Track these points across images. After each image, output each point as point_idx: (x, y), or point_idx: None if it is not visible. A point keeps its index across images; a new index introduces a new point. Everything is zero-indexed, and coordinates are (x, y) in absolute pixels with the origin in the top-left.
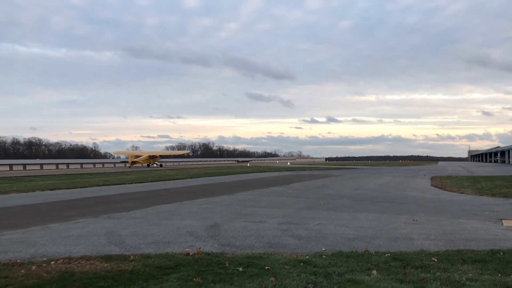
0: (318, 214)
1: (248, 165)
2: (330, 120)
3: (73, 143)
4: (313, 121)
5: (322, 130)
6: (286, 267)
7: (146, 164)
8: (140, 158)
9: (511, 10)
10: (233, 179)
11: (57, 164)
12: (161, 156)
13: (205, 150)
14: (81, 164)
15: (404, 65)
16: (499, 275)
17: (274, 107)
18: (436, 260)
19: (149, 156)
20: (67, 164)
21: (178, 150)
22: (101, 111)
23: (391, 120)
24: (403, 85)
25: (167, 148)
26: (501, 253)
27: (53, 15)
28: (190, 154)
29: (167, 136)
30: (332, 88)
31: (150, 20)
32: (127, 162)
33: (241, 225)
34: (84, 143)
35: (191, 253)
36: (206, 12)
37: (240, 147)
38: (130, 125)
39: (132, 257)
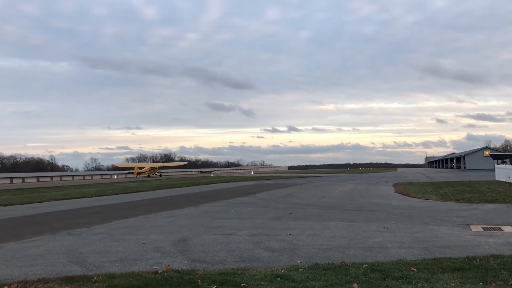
0: (288, 224)
1: (212, 175)
2: (291, 129)
3: (28, 156)
4: (274, 130)
5: (283, 139)
6: (262, 283)
7: (147, 175)
8: (143, 169)
9: (461, 22)
10: (197, 190)
11: (11, 178)
12: (161, 167)
13: (167, 161)
14: (38, 177)
15: (362, 74)
16: (481, 283)
17: (235, 117)
18: (415, 269)
19: (151, 167)
20: (23, 178)
21: (138, 161)
22: (57, 123)
23: (350, 128)
24: (360, 94)
25: (127, 160)
26: (478, 260)
27: (5, 24)
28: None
29: (126, 148)
30: (292, 98)
31: (107, 29)
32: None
33: (210, 239)
34: (41, 156)
35: (159, 271)
36: (166, 22)
37: (202, 157)
38: (88, 136)
39: (95, 277)
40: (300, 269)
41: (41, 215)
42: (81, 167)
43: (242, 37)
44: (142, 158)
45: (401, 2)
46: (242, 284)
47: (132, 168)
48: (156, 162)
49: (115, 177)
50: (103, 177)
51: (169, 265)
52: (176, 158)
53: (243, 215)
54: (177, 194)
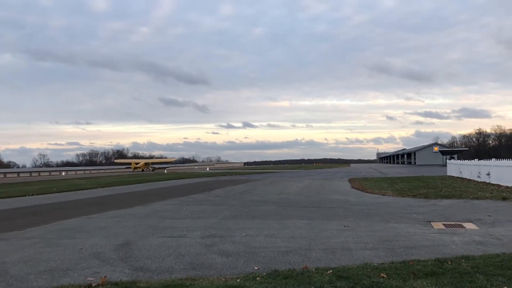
0: (244, 223)
1: (165, 171)
2: (246, 125)
3: None
4: (230, 126)
5: (239, 135)
6: None
7: (141, 169)
8: (139, 164)
9: (408, 23)
10: (149, 188)
11: None
12: (153, 163)
13: (119, 157)
14: None
15: (315, 72)
16: None
17: (189, 113)
18: (385, 275)
19: (145, 163)
20: None
21: (89, 157)
22: (2, 117)
23: (304, 125)
24: (314, 91)
25: (78, 156)
26: (449, 263)
27: None
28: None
29: (76, 143)
30: (247, 94)
31: (55, 22)
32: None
33: (158, 242)
34: None
35: (93, 284)
36: (117, 15)
37: (156, 153)
38: (36, 132)
39: None
40: (257, 278)
41: None
42: (28, 164)
43: (196, 32)
44: (93, 154)
45: (352, 1)
46: None
47: (129, 164)
48: (109, 158)
49: (63, 174)
50: (52, 173)
51: (105, 276)
52: (129, 154)
53: (196, 214)
54: (126, 192)
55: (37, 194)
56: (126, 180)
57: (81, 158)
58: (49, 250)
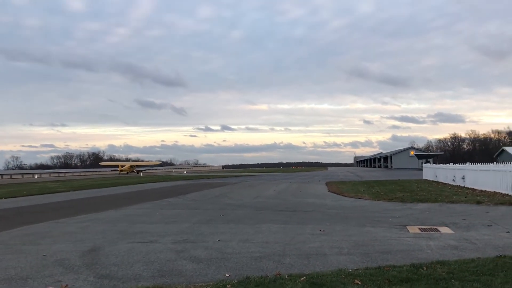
0: (218, 228)
1: (141, 174)
2: (224, 128)
3: None
4: (208, 129)
5: (217, 138)
6: None
7: (126, 172)
8: (124, 167)
9: (386, 28)
10: (123, 191)
11: None
12: (138, 166)
13: (95, 160)
14: None
15: (293, 75)
16: None
17: (166, 115)
18: (359, 282)
19: (130, 166)
20: None
21: (64, 160)
22: None
23: (282, 128)
24: (292, 95)
25: (52, 158)
26: (424, 268)
27: None
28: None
29: (51, 146)
30: (226, 97)
31: (29, 21)
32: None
33: (126, 248)
34: None
35: None
36: (93, 16)
37: (133, 156)
38: (8, 133)
39: None
40: (228, 285)
41: None
42: (0, 166)
43: (174, 34)
44: (68, 157)
45: (329, 6)
46: None
47: (115, 166)
48: (84, 161)
49: (36, 177)
50: (25, 176)
51: (67, 285)
52: (105, 157)
53: (169, 219)
54: (100, 195)
55: (5, 198)
56: (101, 183)
57: (55, 161)
58: (9, 257)
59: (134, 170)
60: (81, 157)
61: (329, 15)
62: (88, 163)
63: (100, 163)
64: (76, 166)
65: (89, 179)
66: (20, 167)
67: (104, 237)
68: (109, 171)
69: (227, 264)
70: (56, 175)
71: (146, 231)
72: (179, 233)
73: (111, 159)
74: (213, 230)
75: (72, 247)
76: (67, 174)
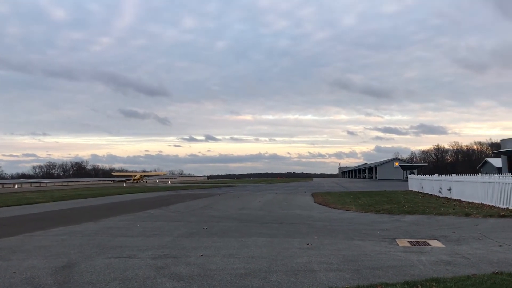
0: (202, 242)
1: (125, 185)
2: (209, 138)
3: None
4: (192, 139)
5: (202, 148)
6: None
7: (136, 181)
8: (135, 177)
9: (368, 40)
10: (104, 202)
11: None
12: (146, 176)
13: (78, 170)
14: None
15: (278, 86)
16: None
17: (150, 125)
18: None
19: (140, 176)
20: None
21: (47, 170)
22: None
23: (267, 138)
24: (277, 106)
25: (34, 168)
26: (419, 287)
27: None
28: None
29: (33, 155)
30: (210, 107)
31: (11, 29)
32: None
33: (103, 264)
34: None
35: None
36: (76, 25)
37: (117, 166)
38: None
39: None
40: None
41: None
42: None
43: (158, 44)
44: (51, 166)
45: (313, 18)
46: None
47: (128, 176)
48: (67, 170)
49: (15, 186)
50: (5, 186)
51: None
52: (88, 167)
53: (150, 232)
54: (79, 206)
55: None
56: (82, 193)
57: (37, 170)
58: None
59: (143, 180)
60: (64, 167)
61: (313, 27)
62: (71, 172)
63: (113, 173)
64: (58, 176)
65: (71, 189)
66: (1, 177)
67: (80, 252)
68: (96, 181)
69: (209, 282)
70: (38, 185)
71: (125, 245)
72: (160, 248)
73: (95, 169)
74: (196, 244)
75: (45, 263)
76: (48, 184)
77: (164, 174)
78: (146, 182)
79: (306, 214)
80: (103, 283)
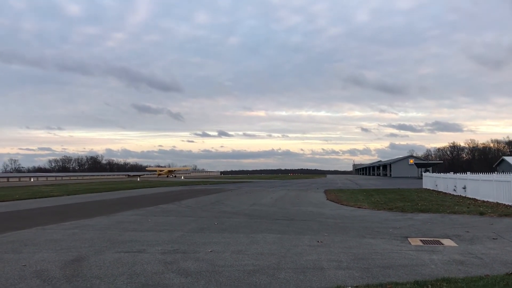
0: (212, 237)
1: (139, 179)
2: (222, 134)
3: None
4: (205, 135)
5: (215, 144)
6: None
7: (166, 176)
8: (163, 171)
9: (382, 37)
10: (117, 196)
11: None
12: (175, 171)
13: (93, 164)
14: None
15: (291, 83)
16: None
17: (163, 120)
18: None
19: (168, 170)
20: None
21: (62, 163)
22: None
23: (280, 135)
24: (290, 102)
25: (50, 162)
26: (429, 286)
27: None
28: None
29: (48, 149)
30: (223, 103)
31: (26, 24)
32: None
33: (113, 258)
34: None
35: None
36: (91, 20)
37: (131, 160)
38: (6, 136)
39: None
40: None
41: None
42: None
43: (171, 39)
44: (66, 160)
45: (326, 14)
46: None
47: (155, 171)
48: (82, 164)
49: (31, 180)
50: (21, 179)
51: None
52: (103, 161)
53: (161, 227)
54: (92, 201)
55: None
56: (96, 188)
57: (53, 164)
58: None
59: (172, 175)
60: (79, 161)
61: (326, 23)
62: (86, 167)
63: (146, 168)
64: (74, 170)
65: (86, 183)
66: (18, 170)
67: (90, 246)
68: (111, 175)
69: (218, 278)
70: (53, 178)
71: (135, 239)
72: (170, 243)
73: (109, 163)
74: (206, 239)
75: (55, 257)
76: (64, 178)
77: (188, 170)
78: (175, 176)
79: (317, 211)
80: (111, 278)
